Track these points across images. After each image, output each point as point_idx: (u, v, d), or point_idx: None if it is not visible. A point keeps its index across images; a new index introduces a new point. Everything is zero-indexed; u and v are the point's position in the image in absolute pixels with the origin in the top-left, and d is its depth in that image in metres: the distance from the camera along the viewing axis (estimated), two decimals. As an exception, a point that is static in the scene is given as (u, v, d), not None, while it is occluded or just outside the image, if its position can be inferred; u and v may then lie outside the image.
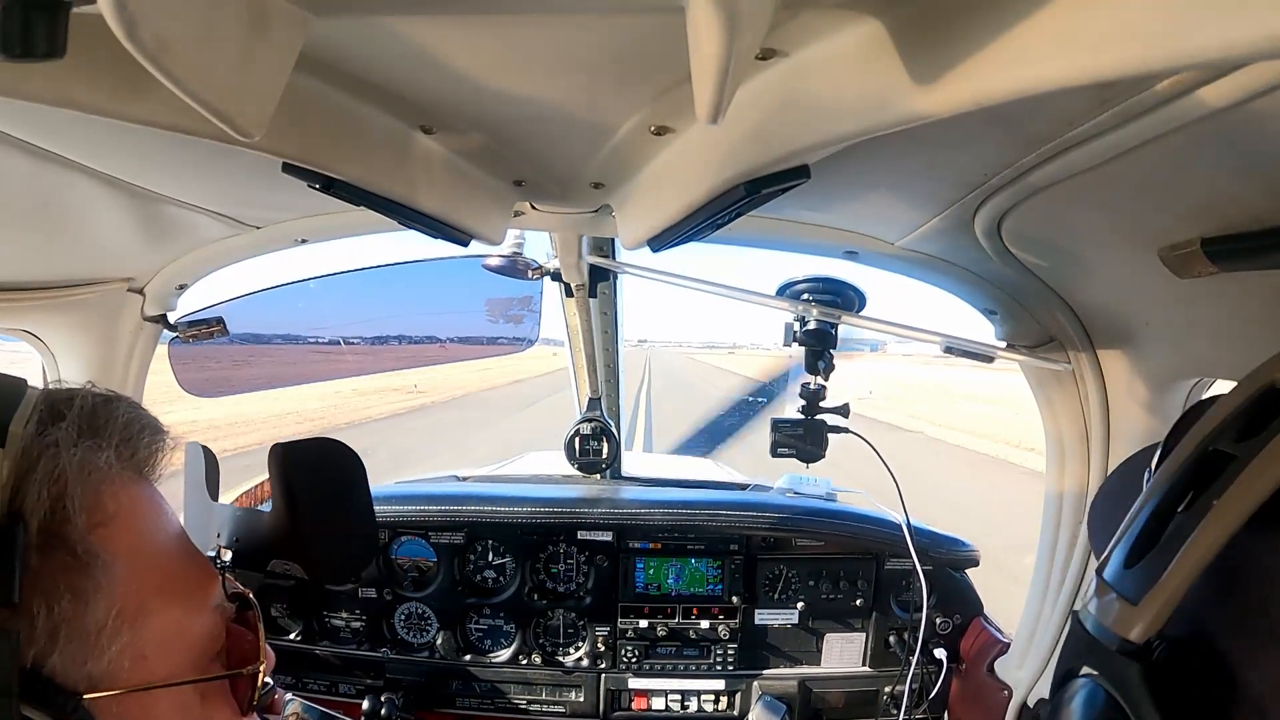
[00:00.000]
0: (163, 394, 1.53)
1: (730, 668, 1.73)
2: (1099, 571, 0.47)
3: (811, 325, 1.42)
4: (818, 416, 1.48)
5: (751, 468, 2.64)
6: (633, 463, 2.29)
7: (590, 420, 1.99)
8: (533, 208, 1.12)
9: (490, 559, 1.75)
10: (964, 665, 1.65)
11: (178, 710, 0.46)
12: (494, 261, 1.58)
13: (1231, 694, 0.41)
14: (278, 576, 0.57)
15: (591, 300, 1.66)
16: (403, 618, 1.76)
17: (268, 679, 1.11)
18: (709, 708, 1.73)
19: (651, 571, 1.73)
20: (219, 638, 0.50)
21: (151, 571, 0.45)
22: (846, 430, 1.50)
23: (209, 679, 0.49)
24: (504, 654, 1.75)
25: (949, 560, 1.71)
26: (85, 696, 0.39)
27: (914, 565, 1.55)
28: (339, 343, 2.10)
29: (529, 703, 1.74)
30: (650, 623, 1.71)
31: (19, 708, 0.37)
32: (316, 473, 0.57)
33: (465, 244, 1.01)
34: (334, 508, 0.58)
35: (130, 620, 0.43)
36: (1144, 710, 0.41)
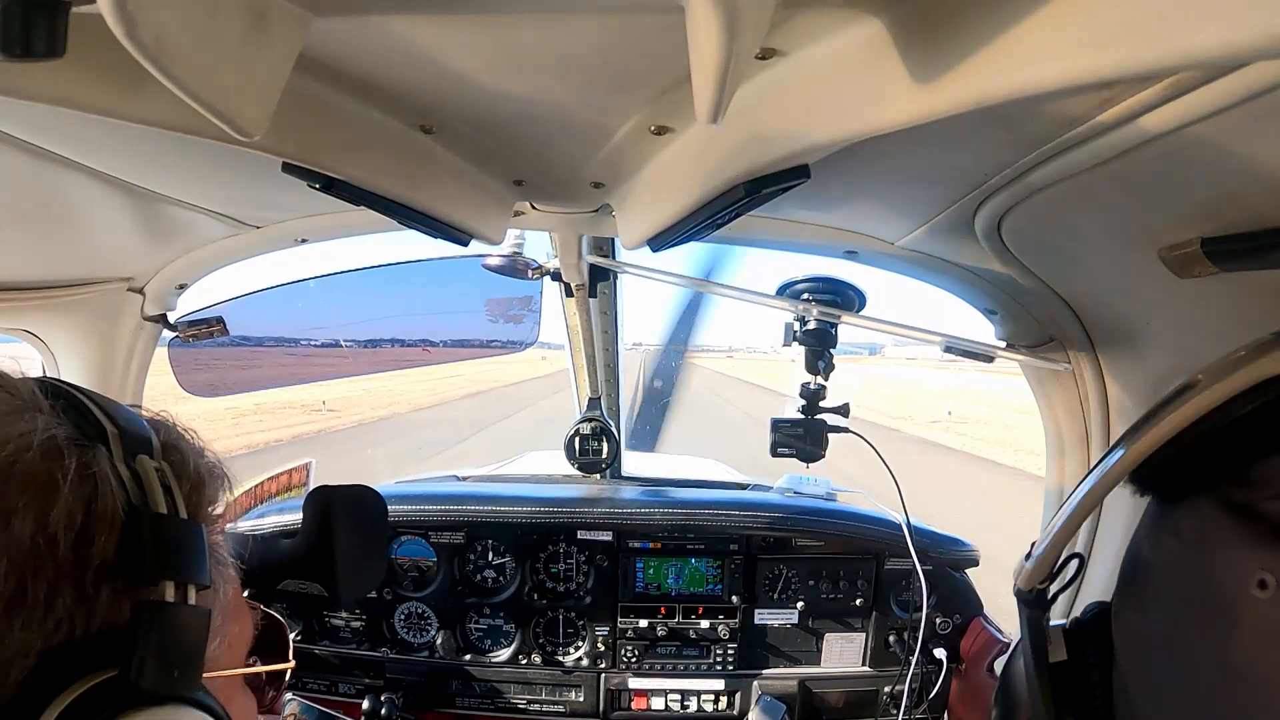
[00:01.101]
0: None
1: (730, 667, 1.73)
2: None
3: (811, 325, 1.42)
4: (818, 416, 1.48)
5: (751, 468, 2.64)
6: (633, 462, 2.29)
7: (590, 420, 1.99)
8: (533, 207, 1.12)
9: (490, 559, 1.75)
10: (964, 665, 1.65)
11: (235, 696, 0.53)
12: (494, 261, 1.58)
13: (1109, 656, 0.55)
14: (289, 593, 0.67)
15: (591, 300, 1.66)
16: (403, 617, 1.76)
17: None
18: (709, 707, 1.73)
19: (651, 571, 1.73)
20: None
21: (235, 574, 0.53)
22: (847, 430, 1.50)
23: (276, 668, 0.59)
24: (504, 654, 1.75)
25: (949, 560, 1.71)
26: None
27: (914, 565, 1.55)
28: (337, 344, 2.10)
29: (529, 702, 1.74)
30: (650, 622, 1.71)
31: (200, 669, 0.43)
32: (354, 513, 0.67)
33: (465, 244, 1.01)
34: (363, 542, 0.68)
35: (231, 613, 0.50)
36: (1025, 641, 0.60)
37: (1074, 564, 0.62)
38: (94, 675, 0.38)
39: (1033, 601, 0.60)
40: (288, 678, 0.62)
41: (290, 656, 0.64)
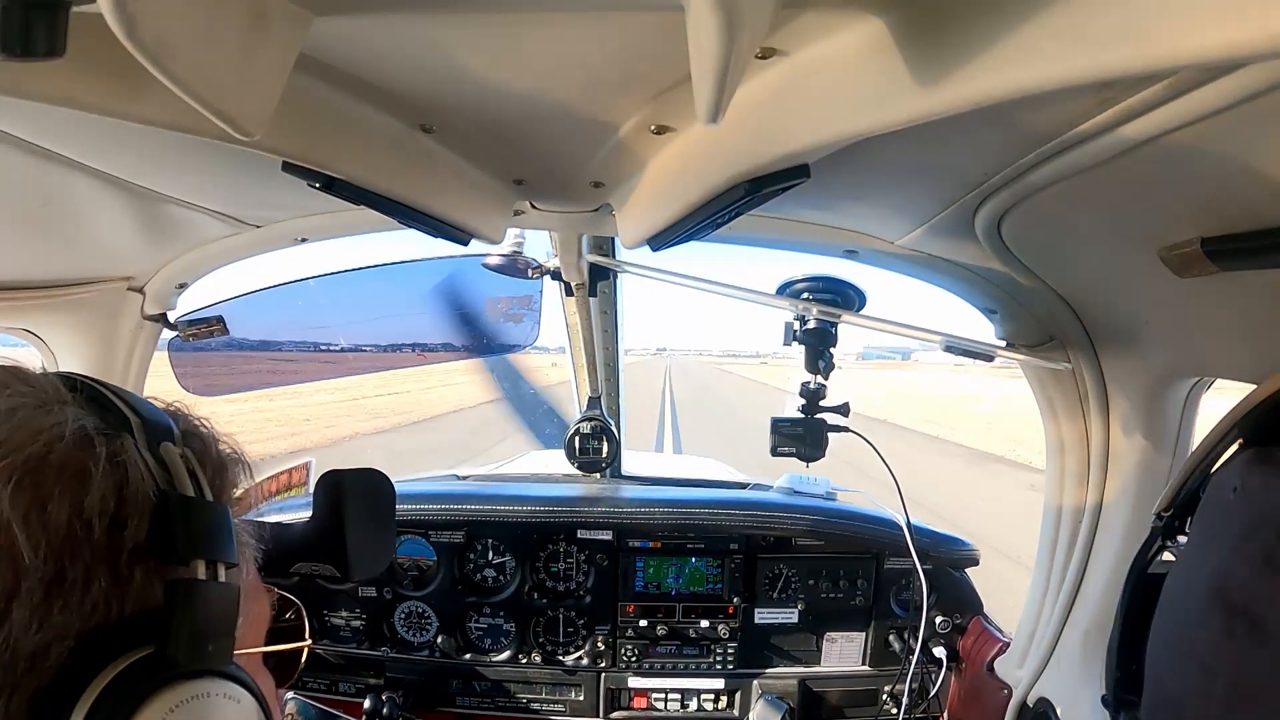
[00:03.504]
0: None
1: (730, 667, 1.73)
2: None
3: (811, 324, 1.42)
4: (818, 416, 1.48)
5: (752, 468, 2.64)
6: (633, 462, 2.29)
7: (590, 419, 1.99)
8: (533, 207, 1.12)
9: (490, 558, 1.75)
10: (964, 665, 1.65)
11: (256, 675, 0.54)
12: (494, 261, 1.58)
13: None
14: (302, 576, 0.68)
15: (591, 299, 1.66)
16: (403, 617, 1.76)
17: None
18: (709, 707, 1.73)
19: (651, 571, 1.73)
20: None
21: (254, 556, 0.54)
22: (846, 429, 1.50)
23: (295, 646, 0.61)
24: (504, 653, 1.75)
25: (949, 560, 1.71)
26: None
27: (914, 565, 1.55)
28: (336, 344, 2.10)
29: (529, 701, 1.74)
30: (650, 622, 1.71)
31: (233, 643, 0.45)
32: (363, 494, 0.69)
33: (465, 243, 1.01)
34: (373, 521, 0.69)
35: (251, 594, 0.52)
36: (1140, 548, 0.76)
37: None
38: (131, 653, 0.40)
39: (1155, 524, 0.75)
40: (305, 657, 0.64)
41: (307, 635, 0.65)
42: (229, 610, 0.44)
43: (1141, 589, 0.74)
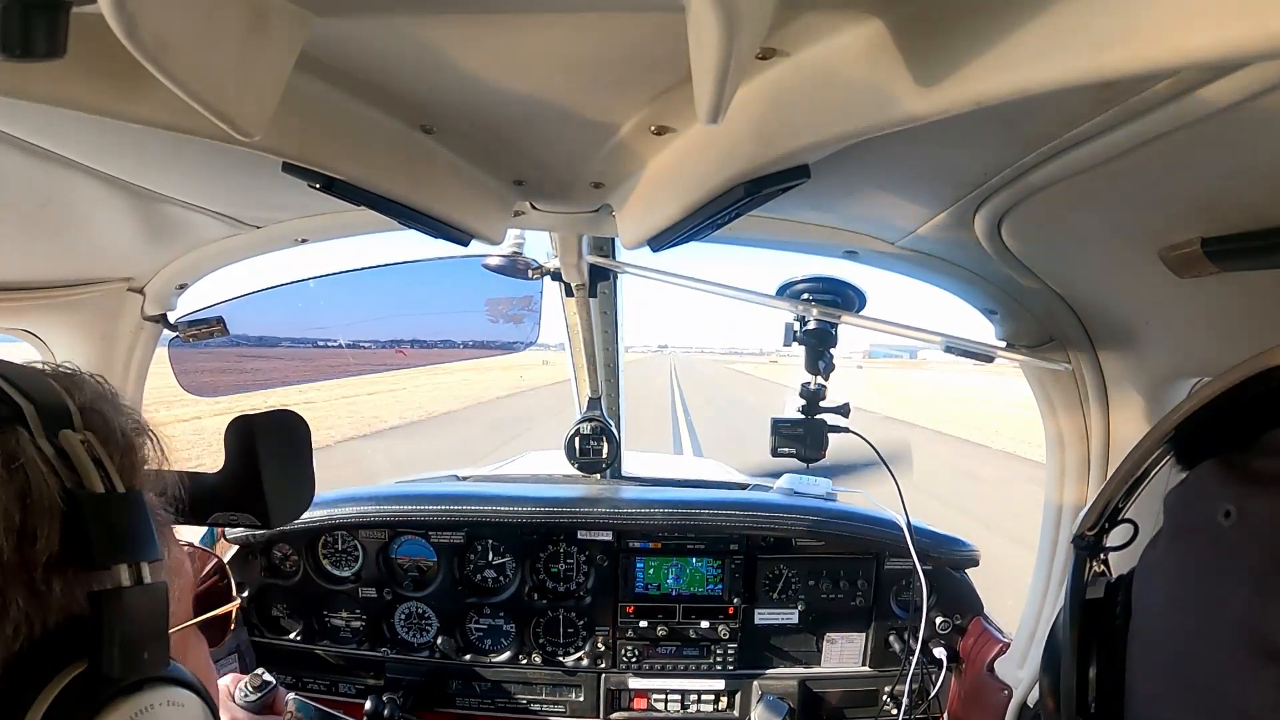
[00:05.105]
0: None
1: (730, 668, 1.73)
2: None
3: (811, 325, 1.42)
4: (818, 416, 1.48)
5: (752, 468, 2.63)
6: (633, 462, 2.29)
7: (590, 420, 1.99)
8: (533, 207, 1.12)
9: (490, 559, 1.75)
10: (964, 665, 1.65)
11: (190, 644, 0.54)
12: (494, 261, 1.58)
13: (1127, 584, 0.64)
14: (222, 525, 0.63)
15: (592, 300, 1.67)
16: (403, 617, 1.76)
17: (269, 677, 1.13)
18: (709, 708, 1.73)
19: (651, 571, 1.73)
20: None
21: (170, 524, 0.52)
22: (847, 430, 1.50)
23: (222, 613, 0.61)
24: (504, 654, 1.75)
25: (949, 560, 1.71)
26: None
27: (914, 565, 1.55)
28: (336, 344, 2.10)
29: (529, 702, 1.74)
30: (650, 622, 1.71)
31: (168, 645, 0.43)
32: (277, 437, 0.64)
33: (465, 244, 1.01)
34: (289, 464, 0.65)
35: (177, 569, 0.51)
36: (1069, 581, 0.69)
37: (1129, 529, 0.69)
38: (64, 673, 0.37)
39: (1081, 546, 0.71)
40: (235, 615, 0.63)
41: (234, 594, 0.65)
42: (159, 610, 0.42)
43: (1086, 618, 0.67)
